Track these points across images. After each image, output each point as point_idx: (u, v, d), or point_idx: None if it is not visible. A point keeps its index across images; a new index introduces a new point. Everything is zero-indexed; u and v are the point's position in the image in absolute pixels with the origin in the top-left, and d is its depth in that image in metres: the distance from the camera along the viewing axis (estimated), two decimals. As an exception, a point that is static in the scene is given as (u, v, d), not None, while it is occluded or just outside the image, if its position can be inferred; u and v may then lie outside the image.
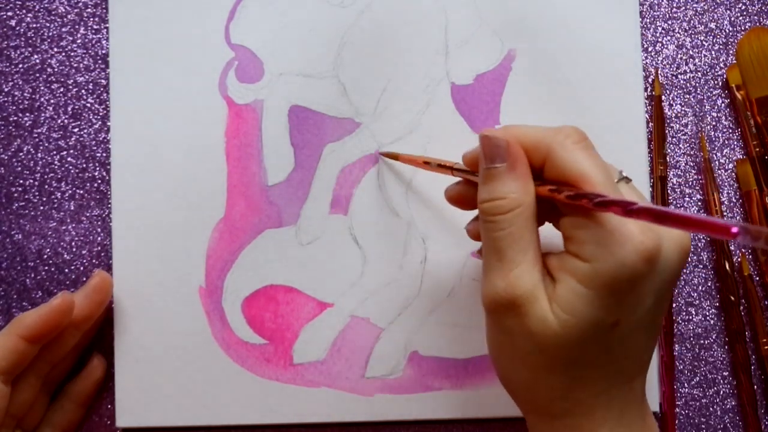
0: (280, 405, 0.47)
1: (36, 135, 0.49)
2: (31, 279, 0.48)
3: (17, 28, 0.49)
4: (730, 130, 0.49)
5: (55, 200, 0.48)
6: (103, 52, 0.49)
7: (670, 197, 0.48)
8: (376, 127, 0.48)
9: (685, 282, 0.48)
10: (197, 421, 0.47)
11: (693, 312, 0.48)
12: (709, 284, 0.48)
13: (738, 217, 0.49)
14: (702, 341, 0.48)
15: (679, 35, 0.50)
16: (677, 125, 0.49)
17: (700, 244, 0.48)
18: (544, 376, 0.37)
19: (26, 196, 0.48)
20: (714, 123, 0.49)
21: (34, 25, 0.49)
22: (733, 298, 0.47)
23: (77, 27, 0.49)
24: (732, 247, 0.48)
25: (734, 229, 0.29)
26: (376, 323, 0.48)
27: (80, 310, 0.45)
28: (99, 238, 0.48)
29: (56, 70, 0.49)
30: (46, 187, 0.48)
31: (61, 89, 0.49)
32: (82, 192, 0.48)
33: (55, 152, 0.49)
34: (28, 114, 0.49)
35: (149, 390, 0.47)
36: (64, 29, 0.49)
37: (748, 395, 0.47)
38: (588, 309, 0.35)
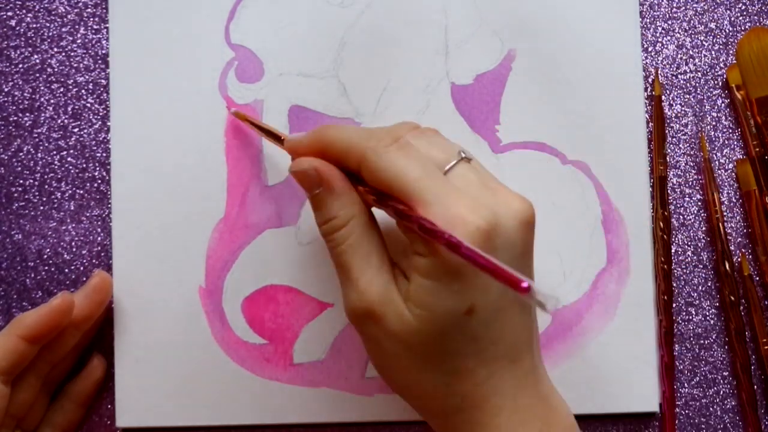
0: (280, 405, 0.47)
1: (36, 135, 0.49)
2: (31, 279, 0.48)
3: (17, 28, 0.49)
4: (730, 130, 0.49)
5: (55, 200, 0.48)
6: (103, 52, 0.49)
7: (670, 197, 0.48)
8: (376, 127, 0.48)
9: (685, 282, 0.48)
10: (197, 421, 0.47)
11: (693, 312, 0.48)
12: (709, 284, 0.48)
13: (738, 217, 0.49)
14: (702, 341, 0.48)
15: (679, 35, 0.50)
16: (677, 125, 0.49)
17: (700, 244, 0.49)
18: (420, 376, 0.37)
19: (26, 196, 0.48)
20: (714, 123, 0.49)
21: (34, 25, 0.49)
22: (733, 298, 0.47)
23: (77, 27, 0.49)
24: (732, 247, 0.48)
25: (524, 284, 0.29)
26: (376, 323, 0.48)
27: (80, 310, 0.45)
28: (99, 238, 0.48)
29: (56, 70, 0.49)
30: (46, 187, 0.48)
31: (61, 89, 0.49)
32: (82, 192, 0.48)
33: (55, 152, 0.49)
34: (28, 114, 0.49)
35: (149, 390, 0.47)
36: (64, 29, 0.49)
37: (748, 395, 0.47)
38: (437, 300, 0.35)
